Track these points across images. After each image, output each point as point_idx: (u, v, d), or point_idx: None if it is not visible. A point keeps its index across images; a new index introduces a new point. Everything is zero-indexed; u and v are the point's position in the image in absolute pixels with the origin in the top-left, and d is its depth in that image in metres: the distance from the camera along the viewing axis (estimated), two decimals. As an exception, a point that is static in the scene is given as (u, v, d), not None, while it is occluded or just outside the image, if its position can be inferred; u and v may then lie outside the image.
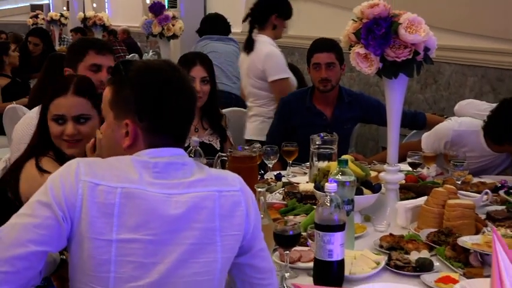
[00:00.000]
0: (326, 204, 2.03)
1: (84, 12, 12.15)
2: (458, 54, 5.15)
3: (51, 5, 19.50)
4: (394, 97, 2.68)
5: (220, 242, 1.72)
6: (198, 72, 3.39)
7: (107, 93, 1.83)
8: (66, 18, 12.88)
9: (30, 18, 13.34)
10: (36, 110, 2.97)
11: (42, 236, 1.60)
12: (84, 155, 2.29)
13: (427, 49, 2.54)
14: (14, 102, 5.28)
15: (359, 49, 2.54)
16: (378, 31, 2.48)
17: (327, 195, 2.05)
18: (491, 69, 5.03)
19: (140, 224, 1.63)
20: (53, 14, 13.34)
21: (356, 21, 2.57)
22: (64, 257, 1.92)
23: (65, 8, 15.81)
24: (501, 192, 3.04)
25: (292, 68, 6.15)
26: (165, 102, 1.76)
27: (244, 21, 4.95)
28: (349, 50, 2.60)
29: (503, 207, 2.83)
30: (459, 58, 5.19)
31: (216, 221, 1.72)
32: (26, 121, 2.95)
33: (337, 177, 2.32)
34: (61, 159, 2.38)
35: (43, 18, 13.16)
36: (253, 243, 1.82)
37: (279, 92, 4.35)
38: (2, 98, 5.89)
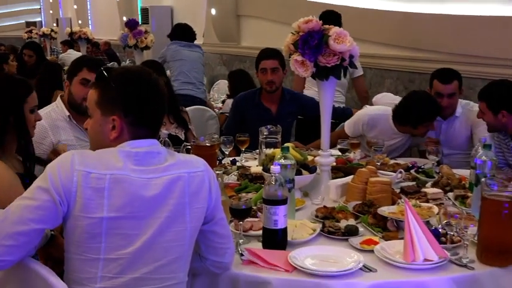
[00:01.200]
0: (272, 183, 2.05)
1: (71, 27, 11.95)
2: (377, 60, 5.24)
3: (43, 21, 19.22)
4: (326, 95, 2.69)
5: (189, 214, 1.74)
6: None
7: (92, 95, 1.80)
8: (56, 32, 12.71)
9: (25, 33, 13.08)
10: (41, 112, 2.95)
11: (41, 216, 1.60)
12: None
13: (351, 56, 2.55)
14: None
15: (297, 57, 2.54)
16: (312, 42, 2.49)
17: (272, 176, 2.07)
18: (404, 73, 5.13)
19: (126, 203, 1.64)
20: (44, 29, 13.18)
21: (294, 34, 2.57)
22: (53, 233, 1.90)
23: (54, 24, 15.58)
24: (412, 171, 3.08)
25: (243, 73, 6.18)
26: (146, 99, 1.76)
27: None
28: (289, 57, 2.61)
29: (414, 183, 2.87)
30: (378, 64, 5.27)
31: (186, 197, 1.73)
32: None
33: (280, 161, 2.35)
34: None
35: (36, 33, 12.92)
36: (215, 213, 1.83)
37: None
38: None
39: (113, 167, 1.66)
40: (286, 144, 2.60)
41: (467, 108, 3.65)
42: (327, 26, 2.53)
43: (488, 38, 4.31)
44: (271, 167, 2.14)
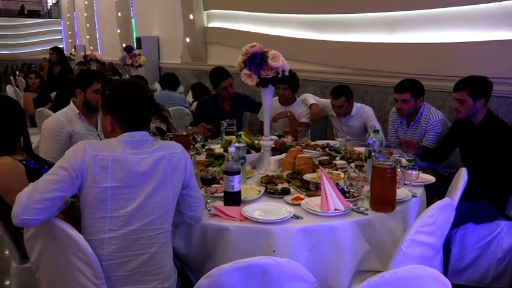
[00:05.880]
0: (230, 159, 2.04)
1: (84, 52, 11.58)
2: (303, 73, 5.21)
3: (64, 47, 18.59)
4: (267, 97, 2.67)
5: (171, 183, 1.71)
6: None
7: (99, 99, 1.79)
8: (74, 55, 12.32)
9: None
10: (59, 112, 2.84)
11: (61, 187, 1.55)
12: None
13: (283, 70, 2.54)
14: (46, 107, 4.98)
15: (246, 71, 2.51)
16: (256, 61, 2.46)
17: (230, 154, 2.06)
18: (321, 82, 5.17)
19: (124, 177, 1.60)
20: (66, 53, 12.73)
21: (243, 55, 2.54)
22: (73, 200, 1.84)
23: (73, 50, 15.08)
24: (326, 149, 3.10)
25: (201, 84, 6.15)
26: (128, 106, 1.69)
27: None
28: (240, 71, 2.58)
29: (327, 157, 2.88)
30: (304, 76, 5.26)
31: (168, 171, 1.69)
32: (53, 119, 2.80)
33: (235, 144, 2.33)
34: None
35: (59, 55, 12.45)
36: (190, 182, 1.80)
37: None
38: (34, 104, 5.50)
39: (114, 151, 1.62)
40: (239, 133, 2.57)
41: (361, 109, 3.71)
42: (266, 49, 2.51)
43: (374, 57, 4.38)
44: (229, 148, 2.13)
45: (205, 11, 7.84)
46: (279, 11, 5.83)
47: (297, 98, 4.03)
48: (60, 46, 18.47)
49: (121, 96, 1.71)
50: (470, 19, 3.47)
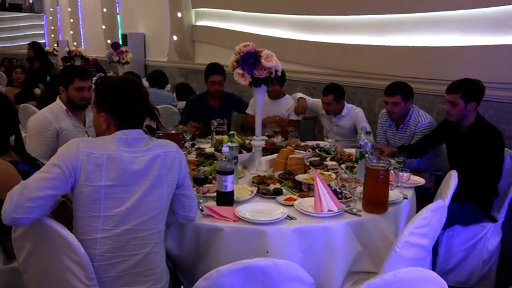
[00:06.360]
0: (223, 159, 2.02)
1: (68, 47, 11.37)
2: (292, 74, 5.24)
3: (46, 43, 18.22)
4: (259, 97, 2.65)
5: (166, 182, 1.69)
6: None
7: (92, 96, 1.77)
8: (57, 51, 12.11)
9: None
10: (46, 108, 2.77)
11: (54, 185, 1.51)
12: None
13: (276, 71, 2.53)
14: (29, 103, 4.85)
15: (238, 70, 2.49)
16: (249, 60, 2.45)
17: (223, 154, 2.04)
18: (307, 83, 5.19)
19: (118, 175, 1.57)
20: (48, 48, 12.53)
21: (236, 54, 2.53)
22: (64, 199, 1.80)
23: (55, 45, 14.78)
24: (317, 150, 3.11)
25: (185, 84, 6.07)
26: (125, 104, 1.67)
27: None
28: (233, 71, 2.56)
29: (318, 158, 2.90)
30: (293, 76, 5.28)
31: (163, 170, 1.67)
32: (39, 115, 2.73)
33: (228, 144, 2.32)
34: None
35: (42, 51, 12.21)
36: (184, 181, 1.78)
37: None
38: (15, 100, 5.34)
39: (109, 149, 1.59)
40: (231, 132, 2.56)
41: (352, 110, 3.72)
42: (260, 49, 2.49)
43: (363, 59, 4.41)
44: (222, 148, 2.11)
45: (193, 9, 7.79)
46: (268, 11, 5.83)
47: (286, 94, 4.03)
48: (42, 41, 18.19)
49: (117, 93, 1.68)
50: (459, 24, 3.53)
